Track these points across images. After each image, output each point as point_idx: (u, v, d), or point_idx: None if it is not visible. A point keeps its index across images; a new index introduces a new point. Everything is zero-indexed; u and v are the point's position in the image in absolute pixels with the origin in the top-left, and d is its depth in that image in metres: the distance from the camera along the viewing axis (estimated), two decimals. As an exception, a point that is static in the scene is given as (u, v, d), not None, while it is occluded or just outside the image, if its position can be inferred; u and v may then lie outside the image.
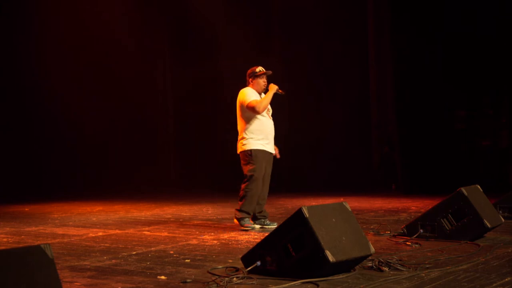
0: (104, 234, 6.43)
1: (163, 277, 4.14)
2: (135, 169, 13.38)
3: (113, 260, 4.82)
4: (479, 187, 5.75)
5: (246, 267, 4.10)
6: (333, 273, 3.92)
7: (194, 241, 5.74)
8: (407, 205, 8.68)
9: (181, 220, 7.56)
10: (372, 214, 7.62)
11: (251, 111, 6.42)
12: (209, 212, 8.49)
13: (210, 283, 3.85)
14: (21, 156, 12.54)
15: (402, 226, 5.68)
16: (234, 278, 3.92)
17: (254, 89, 6.54)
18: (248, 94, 6.47)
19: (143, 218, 7.89)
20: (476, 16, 10.27)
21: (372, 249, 4.15)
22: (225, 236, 6.06)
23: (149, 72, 14.22)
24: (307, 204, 4.11)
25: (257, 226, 6.52)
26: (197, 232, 6.37)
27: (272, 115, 6.67)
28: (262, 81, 6.56)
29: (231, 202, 9.66)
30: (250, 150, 6.43)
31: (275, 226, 5.96)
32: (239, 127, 6.59)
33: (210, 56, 13.45)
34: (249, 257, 4.15)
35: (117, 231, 6.61)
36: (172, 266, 4.50)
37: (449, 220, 5.32)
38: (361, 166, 12.23)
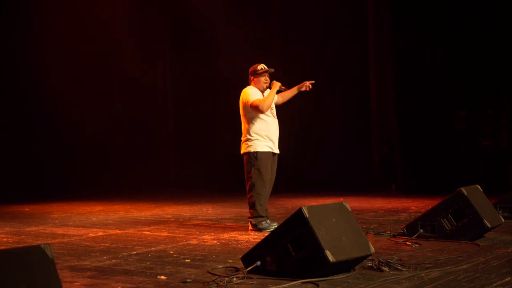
0: (104, 234, 6.42)
1: (163, 277, 4.14)
2: (135, 169, 13.37)
3: (113, 260, 4.82)
4: (479, 187, 5.75)
5: (246, 267, 4.10)
6: (333, 273, 3.92)
7: (194, 241, 5.74)
8: (407, 205, 8.67)
9: (181, 220, 7.56)
10: (372, 214, 7.62)
11: (255, 111, 6.31)
12: (209, 212, 8.49)
13: (210, 283, 3.85)
14: (21, 156, 12.54)
15: (402, 226, 5.68)
16: (234, 278, 3.92)
17: (256, 87, 6.45)
18: (251, 94, 6.37)
19: (143, 218, 7.89)
20: (476, 16, 10.27)
21: (372, 249, 4.15)
22: (225, 236, 6.05)
23: (149, 72, 14.22)
24: (307, 204, 4.11)
25: (275, 224, 6.26)
26: (197, 232, 6.37)
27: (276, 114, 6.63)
28: (264, 79, 6.47)
29: (231, 202, 9.67)
30: (256, 153, 6.31)
31: (276, 226, 5.95)
32: (243, 128, 6.46)
33: (210, 56, 13.45)
34: (249, 257, 4.15)
35: (117, 231, 6.61)
36: (172, 266, 4.50)
37: (449, 220, 5.32)
38: (361, 166, 12.23)
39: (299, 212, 3.93)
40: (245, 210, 8.02)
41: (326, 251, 3.78)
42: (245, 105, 6.39)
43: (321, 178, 11.95)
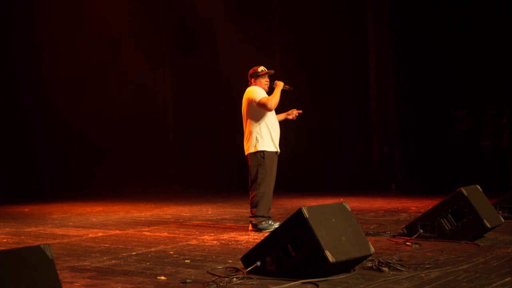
0: (104, 234, 6.42)
1: (163, 277, 4.13)
2: (135, 170, 13.38)
3: (113, 261, 4.82)
4: (479, 187, 5.74)
5: (246, 268, 4.10)
6: (333, 273, 3.91)
7: (194, 242, 5.74)
8: (407, 205, 8.67)
9: (181, 220, 7.56)
10: (372, 214, 7.62)
11: (263, 109, 6.28)
12: (209, 212, 8.49)
13: (210, 283, 3.84)
14: (21, 156, 12.54)
15: (402, 226, 5.68)
16: (234, 279, 3.91)
17: None
18: (257, 92, 6.34)
19: (143, 218, 7.89)
20: (476, 16, 10.26)
21: (372, 249, 4.15)
22: (225, 236, 6.05)
23: (149, 72, 14.21)
24: (307, 204, 4.11)
25: (276, 224, 6.25)
26: (197, 233, 6.37)
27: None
28: (265, 81, 6.47)
29: (231, 203, 9.67)
30: (263, 152, 6.29)
31: (276, 226, 5.95)
32: (246, 127, 6.42)
33: (210, 57, 13.46)
34: (249, 258, 4.15)
35: (117, 232, 6.61)
36: (172, 267, 4.50)
37: (449, 220, 5.31)
38: (361, 166, 12.23)
39: (299, 212, 3.93)
40: (245, 211, 8.03)
41: (326, 251, 3.77)
42: (250, 103, 6.35)
43: (321, 178, 11.95)
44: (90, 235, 6.41)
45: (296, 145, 11.87)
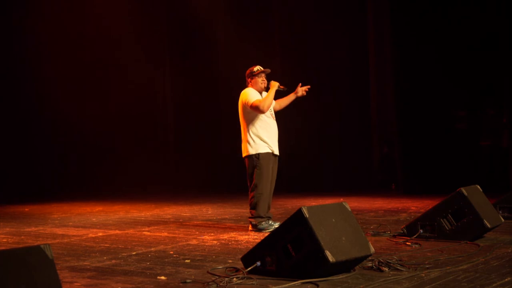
0: (104, 234, 6.42)
1: (163, 277, 4.13)
2: (135, 170, 13.37)
3: (113, 261, 4.82)
4: (479, 187, 5.74)
5: (246, 268, 4.10)
6: (333, 273, 3.91)
7: (194, 242, 5.74)
8: (407, 205, 8.67)
9: (181, 220, 7.56)
10: (372, 214, 7.62)
11: (255, 111, 6.32)
12: (209, 212, 8.49)
13: (210, 283, 3.84)
14: (21, 156, 12.53)
15: (402, 226, 5.68)
16: (234, 279, 3.91)
17: (253, 88, 6.45)
18: (251, 94, 6.36)
19: (143, 218, 7.89)
20: (476, 16, 10.26)
21: (372, 249, 4.15)
22: (225, 236, 6.05)
23: (149, 72, 14.20)
24: (307, 204, 4.11)
25: (276, 224, 6.26)
26: (197, 233, 6.37)
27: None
28: (261, 80, 6.47)
29: (231, 203, 9.67)
30: (258, 154, 6.31)
31: (276, 226, 5.95)
32: (242, 129, 6.46)
33: (210, 57, 13.45)
34: (249, 258, 4.15)
35: (117, 232, 6.61)
36: (172, 267, 4.50)
37: (449, 220, 5.31)
38: (361, 166, 12.23)
39: (299, 212, 3.93)
40: (245, 211, 8.03)
41: (326, 251, 3.78)
42: (244, 106, 6.40)
43: (321, 178, 11.94)
44: (90, 235, 6.41)
45: (296, 145, 11.86)
